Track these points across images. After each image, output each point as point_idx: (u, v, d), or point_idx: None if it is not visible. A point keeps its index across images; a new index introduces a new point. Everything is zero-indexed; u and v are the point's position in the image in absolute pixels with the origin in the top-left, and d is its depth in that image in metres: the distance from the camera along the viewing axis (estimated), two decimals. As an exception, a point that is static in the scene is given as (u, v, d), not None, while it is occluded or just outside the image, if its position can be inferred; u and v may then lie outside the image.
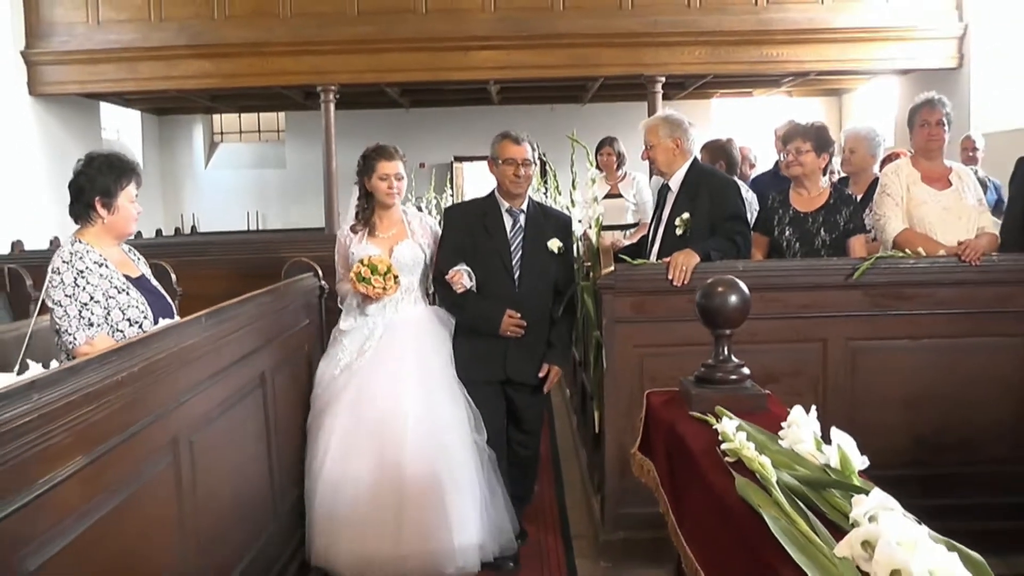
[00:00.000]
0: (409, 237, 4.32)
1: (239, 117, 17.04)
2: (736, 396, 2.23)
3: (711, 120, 15.32)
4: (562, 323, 4.36)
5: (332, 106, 11.01)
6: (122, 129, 14.61)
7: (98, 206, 3.25)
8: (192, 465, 2.87)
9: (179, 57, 10.63)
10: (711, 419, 2.06)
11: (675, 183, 4.38)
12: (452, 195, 12.96)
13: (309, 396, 4.33)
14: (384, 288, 4.03)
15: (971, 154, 7.89)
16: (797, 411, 1.91)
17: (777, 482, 1.65)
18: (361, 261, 4.06)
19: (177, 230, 13.74)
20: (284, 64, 10.76)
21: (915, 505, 1.56)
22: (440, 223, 4.59)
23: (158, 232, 12.75)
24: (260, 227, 15.57)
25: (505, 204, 4.29)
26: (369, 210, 4.31)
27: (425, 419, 4.02)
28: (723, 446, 1.87)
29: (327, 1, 10.69)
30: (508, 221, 4.28)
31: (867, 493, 1.47)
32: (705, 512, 1.87)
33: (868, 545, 1.31)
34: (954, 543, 1.34)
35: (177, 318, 3.28)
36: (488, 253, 4.24)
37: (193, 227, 14.61)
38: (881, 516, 1.33)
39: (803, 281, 4.14)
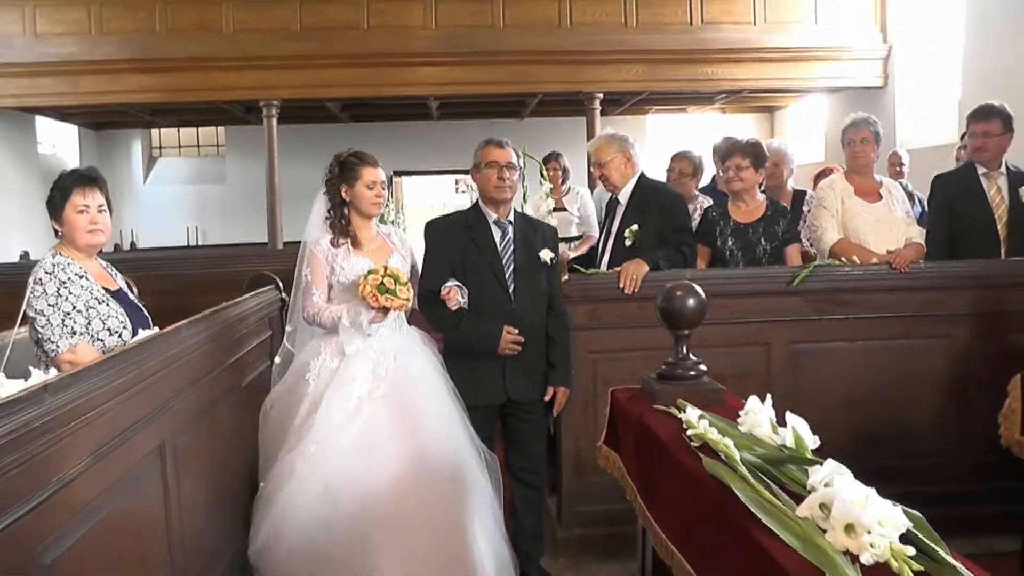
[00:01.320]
0: (395, 251, 4.02)
1: (178, 132, 16.91)
2: (696, 390, 2.44)
3: (646, 136, 15.63)
4: (560, 340, 4.12)
5: (275, 121, 11.07)
6: (58, 144, 14.45)
7: (52, 221, 3.35)
8: (177, 466, 2.99)
9: (121, 71, 10.58)
10: (675, 410, 2.25)
11: (624, 196, 4.60)
12: (392, 209, 13.05)
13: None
14: (407, 300, 3.69)
15: (898, 169, 8.28)
16: (753, 400, 2.12)
17: (741, 460, 1.86)
18: (373, 272, 3.66)
19: (116, 246, 13.59)
20: (227, 79, 10.77)
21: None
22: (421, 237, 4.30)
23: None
24: (200, 243, 15.47)
25: (492, 215, 4.05)
26: (345, 221, 3.93)
27: (450, 451, 3.66)
28: (689, 432, 2.07)
29: (270, 17, 10.75)
30: (497, 233, 4.04)
31: (821, 464, 1.68)
32: (676, 492, 2.07)
33: (825, 507, 1.52)
34: (908, 509, 1.54)
35: (155, 329, 3.38)
36: (479, 268, 3.97)
37: (132, 243, 14.49)
38: (835, 480, 1.54)
39: (746, 288, 4.38)
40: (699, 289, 2.53)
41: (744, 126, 15.98)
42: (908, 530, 1.45)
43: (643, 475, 2.33)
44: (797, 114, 15.37)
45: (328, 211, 3.97)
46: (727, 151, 4.73)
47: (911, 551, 1.38)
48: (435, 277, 3.94)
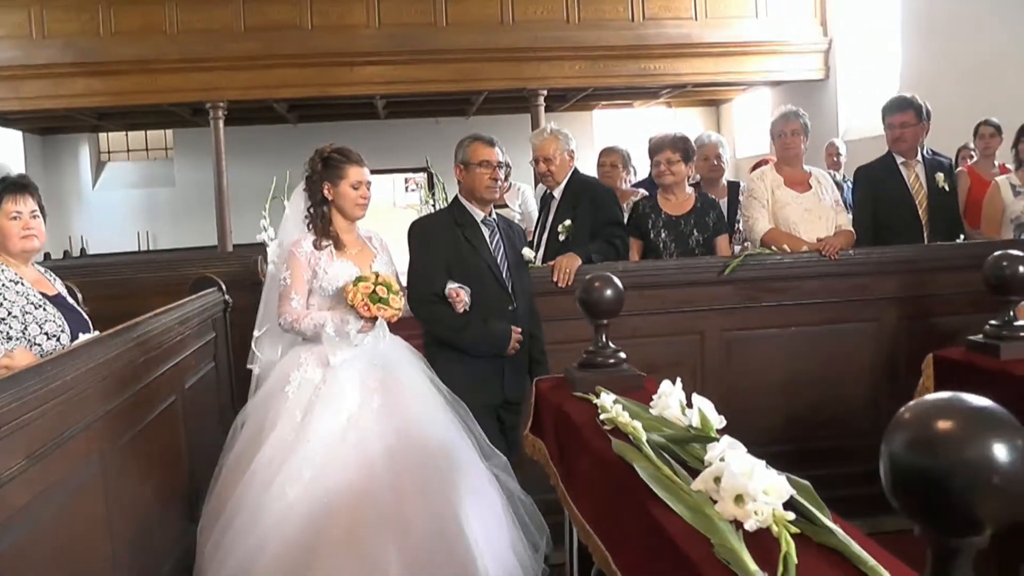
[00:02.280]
0: (377, 255, 3.79)
1: (126, 135, 16.75)
2: (615, 377, 2.53)
3: (593, 131, 15.77)
4: (539, 336, 4.12)
5: (221, 123, 11.04)
6: (1, 150, 14.29)
7: None
8: (118, 468, 3.05)
9: (65, 75, 10.50)
10: (592, 397, 2.35)
11: (558, 191, 4.70)
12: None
13: (220, 405, 4.46)
14: (399, 309, 3.47)
15: (835, 159, 8.49)
16: (665, 384, 2.21)
17: (647, 441, 1.95)
18: (363, 279, 3.45)
19: (66, 253, 13.45)
20: (173, 81, 10.73)
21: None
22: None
23: (47, 256, 12.50)
24: (151, 247, 15.34)
25: (479, 214, 3.96)
26: (326, 222, 3.67)
27: (452, 461, 3.39)
28: (601, 416, 2.16)
29: (214, 18, 10.72)
30: (486, 232, 3.96)
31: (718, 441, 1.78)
32: (589, 473, 2.17)
33: (717, 480, 1.61)
34: (793, 476, 1.64)
35: (95, 333, 3.41)
36: (478, 268, 3.86)
37: (82, 249, 14.35)
38: (727, 455, 1.63)
39: (679, 279, 4.48)
40: (616, 280, 2.63)
41: (690, 120, 16.18)
42: (793, 498, 1.54)
43: (563, 460, 2.42)
44: (742, 107, 15.59)
45: (307, 210, 3.71)
46: (656, 146, 4.82)
47: (791, 516, 1.48)
48: (432, 279, 3.80)
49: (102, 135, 16.57)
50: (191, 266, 6.54)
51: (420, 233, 4.02)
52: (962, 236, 5.25)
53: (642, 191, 5.56)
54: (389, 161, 15.99)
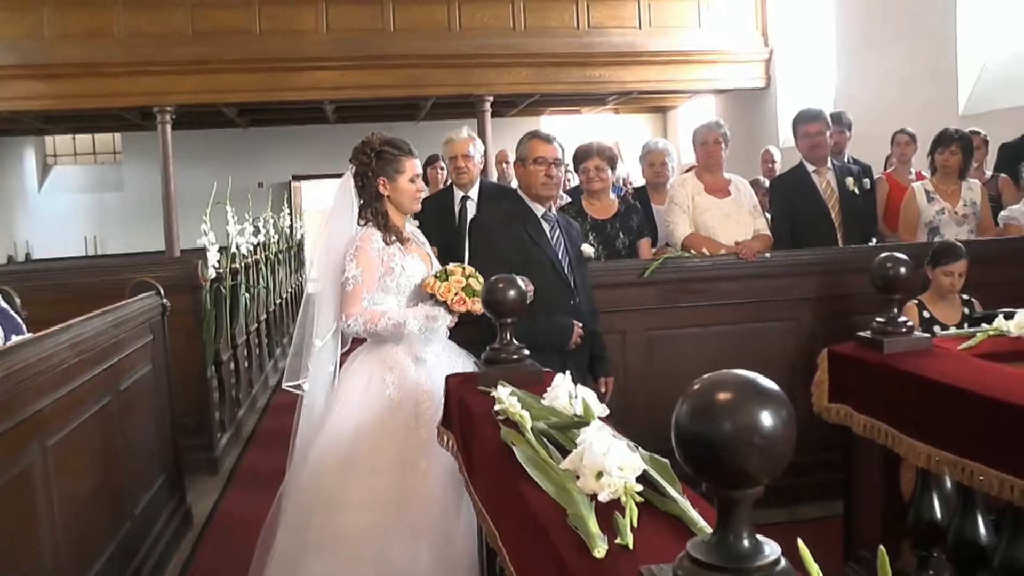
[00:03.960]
0: (425, 250, 3.65)
1: (73, 139, 16.63)
2: (517, 372, 2.66)
3: (540, 137, 15.91)
4: (599, 332, 4.12)
5: (169, 127, 11.02)
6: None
7: None
8: (50, 469, 3.11)
9: (10, 77, 10.41)
10: (491, 390, 2.48)
11: (473, 194, 4.89)
12: (290, 214, 13.11)
13: (157, 407, 4.51)
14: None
15: (770, 166, 8.72)
16: (558, 376, 2.36)
17: (532, 428, 2.09)
18: (450, 272, 3.34)
19: (10, 258, 13.33)
20: (120, 85, 10.67)
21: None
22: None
23: (-9, 261, 12.39)
24: (99, 252, 15.23)
25: (539, 209, 3.91)
26: (384, 218, 3.48)
27: None
28: (496, 407, 2.30)
29: (162, 21, 10.70)
30: (546, 227, 3.92)
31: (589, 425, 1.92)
32: (483, 460, 2.30)
33: (583, 459, 1.75)
34: (655, 455, 1.79)
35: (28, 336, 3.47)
36: (541, 263, 3.81)
37: (27, 254, 14.24)
38: (591, 436, 1.77)
39: (604, 280, 4.61)
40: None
41: (637, 126, 16.40)
42: (647, 472, 1.69)
43: (466, 450, 2.56)
44: (688, 114, 15.82)
45: (363, 204, 3.51)
46: (584, 154, 4.98)
47: (640, 488, 1.63)
48: (499, 272, 3.55)
49: (48, 138, 16.44)
50: (135, 271, 6.55)
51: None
52: (874, 239, 5.48)
53: (565, 196, 5.71)
54: (340, 165, 15.84)
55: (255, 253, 8.66)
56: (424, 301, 3.38)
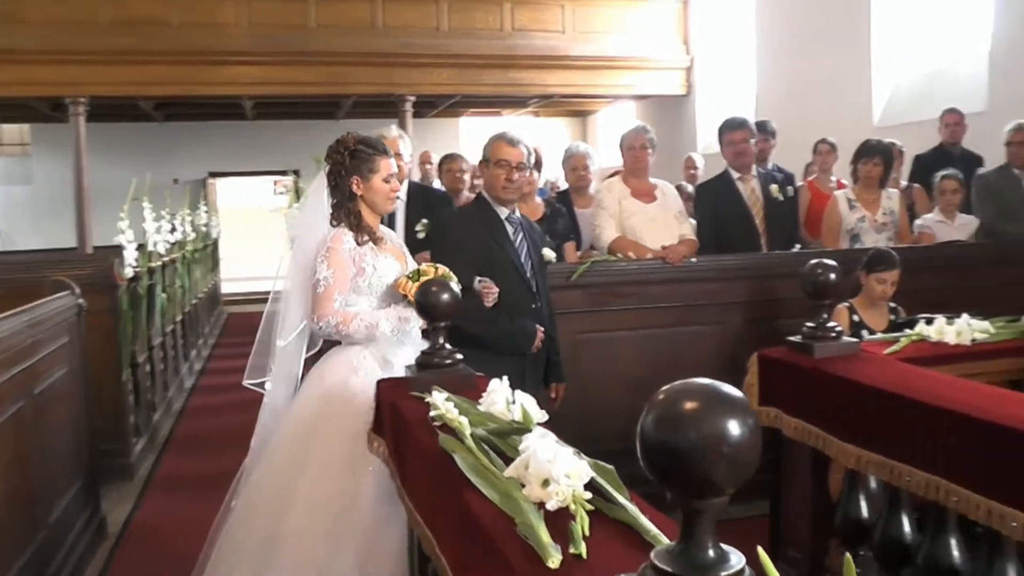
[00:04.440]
0: (400, 250, 3.58)
1: (-22, 129, 16.13)
2: (450, 377, 2.63)
3: (460, 138, 15.91)
4: (555, 336, 4.10)
5: (82, 119, 10.72)
6: None
7: None
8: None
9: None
10: (426, 396, 2.45)
11: (403, 193, 4.84)
12: (207, 212, 12.85)
13: (73, 412, 4.36)
14: None
15: (692, 172, 8.83)
16: (494, 382, 2.33)
17: (471, 435, 2.07)
18: (421, 272, 3.24)
19: (-90, 253, 12.81)
20: (33, 73, 10.30)
21: (638, 473, 1.95)
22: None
23: None
24: (6, 248, 14.71)
25: (503, 211, 3.89)
26: (357, 218, 3.40)
27: None
28: (432, 413, 2.27)
29: (78, 8, 10.34)
30: (509, 229, 3.90)
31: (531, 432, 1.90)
32: (418, 467, 2.27)
33: (528, 466, 1.73)
34: (599, 462, 1.77)
35: None
36: (504, 265, 3.80)
37: (-72, 250, 13.70)
38: (536, 443, 1.76)
39: (531, 284, 4.63)
40: (453, 285, 2.75)
41: (556, 129, 16.49)
42: (594, 480, 1.68)
43: (399, 456, 2.52)
44: (608, 119, 15.97)
45: (333, 206, 3.44)
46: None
47: (589, 495, 1.61)
48: (461, 273, 3.48)
49: (-49, 128, 15.82)
50: (48, 268, 6.35)
51: (447, 228, 3.99)
52: (798, 245, 5.59)
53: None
54: (257, 163, 15.85)
55: (172, 252, 8.47)
56: (398, 302, 3.32)
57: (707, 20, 12.48)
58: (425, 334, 3.42)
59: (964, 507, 2.24)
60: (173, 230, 8.76)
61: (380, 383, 2.88)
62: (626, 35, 12.23)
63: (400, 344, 3.32)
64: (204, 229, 12.21)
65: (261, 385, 3.49)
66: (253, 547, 3.12)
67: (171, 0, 10.59)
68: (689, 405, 1.08)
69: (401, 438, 2.49)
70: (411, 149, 5.06)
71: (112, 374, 5.71)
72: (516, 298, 3.78)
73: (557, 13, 11.91)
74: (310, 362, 3.51)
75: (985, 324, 3.19)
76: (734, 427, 1.05)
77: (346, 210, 3.38)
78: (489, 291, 3.62)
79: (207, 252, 12.85)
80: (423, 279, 3.14)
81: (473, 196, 5.83)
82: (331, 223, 3.41)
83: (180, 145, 15.48)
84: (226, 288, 16.21)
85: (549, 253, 4.06)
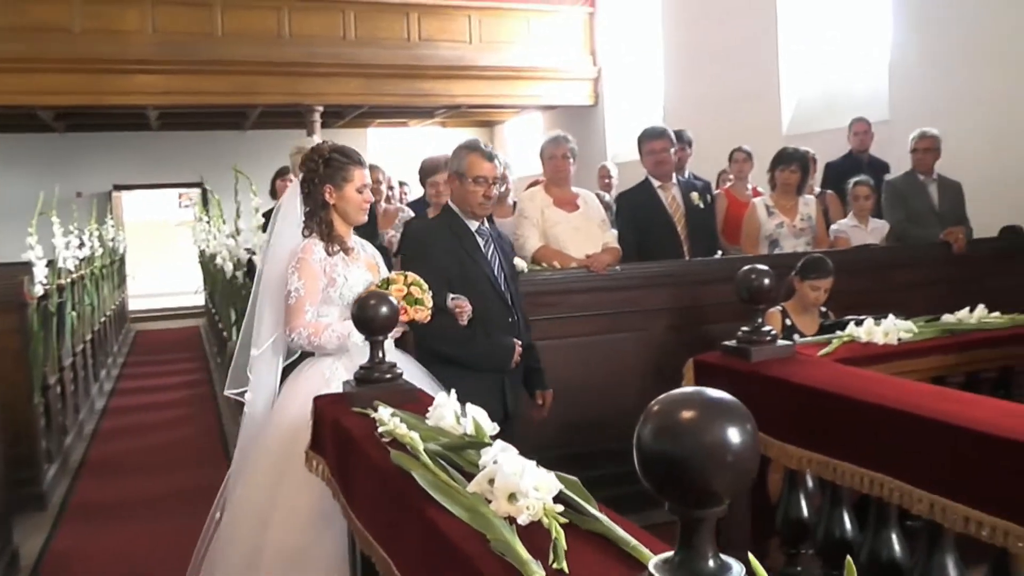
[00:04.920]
0: (375, 259, 3.57)
1: None
2: (391, 391, 2.59)
3: (368, 149, 15.82)
4: (532, 344, 4.05)
5: (-23, 129, 10.32)
6: None
7: None
8: None
9: None
10: (370, 411, 2.40)
11: None
12: (113, 226, 12.51)
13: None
14: (431, 309, 3.28)
15: (607, 181, 8.91)
16: (441, 395, 2.30)
17: (424, 450, 2.03)
18: (391, 281, 3.23)
19: None
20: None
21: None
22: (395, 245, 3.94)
23: None
24: None
25: (473, 224, 3.81)
26: (328, 227, 3.38)
27: None
28: (380, 429, 2.22)
29: (-34, 12, 9.83)
30: (480, 242, 3.83)
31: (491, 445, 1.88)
32: (369, 485, 2.21)
33: (492, 481, 1.71)
34: (561, 473, 1.76)
35: None
36: (478, 279, 3.73)
37: None
38: (499, 457, 1.73)
39: (453, 295, 4.60)
40: (391, 297, 2.71)
41: (464, 140, 16.44)
42: (562, 492, 1.66)
43: (343, 474, 2.46)
44: (515, 129, 16.02)
45: (304, 214, 3.41)
46: (432, 168, 4.96)
47: (560, 508, 1.59)
48: (433, 290, 3.43)
49: None
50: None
51: (417, 242, 3.90)
52: (720, 252, 5.68)
53: (408, 210, 5.66)
54: (163, 175, 15.49)
55: (80, 268, 8.19)
56: None
57: (614, 31, 12.63)
58: (397, 343, 3.45)
59: (907, 502, 2.28)
60: (81, 245, 8.49)
61: (317, 399, 2.82)
62: (533, 46, 12.32)
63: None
64: (111, 244, 11.89)
65: (242, 395, 3.47)
66: (239, 562, 3.08)
67: (72, 6, 10.20)
68: (689, 414, 1.07)
69: (346, 456, 2.43)
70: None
71: (22, 397, 5.45)
72: (492, 313, 3.72)
73: (464, 23, 11.92)
74: (290, 370, 3.45)
75: (909, 324, 3.26)
76: (735, 435, 1.05)
77: (318, 219, 3.36)
78: (463, 310, 3.56)
79: (114, 268, 12.49)
80: (392, 287, 3.17)
81: (394, 207, 5.81)
82: (303, 233, 3.38)
83: (83, 157, 15.01)
84: (134, 305, 15.84)
85: (520, 263, 3.98)
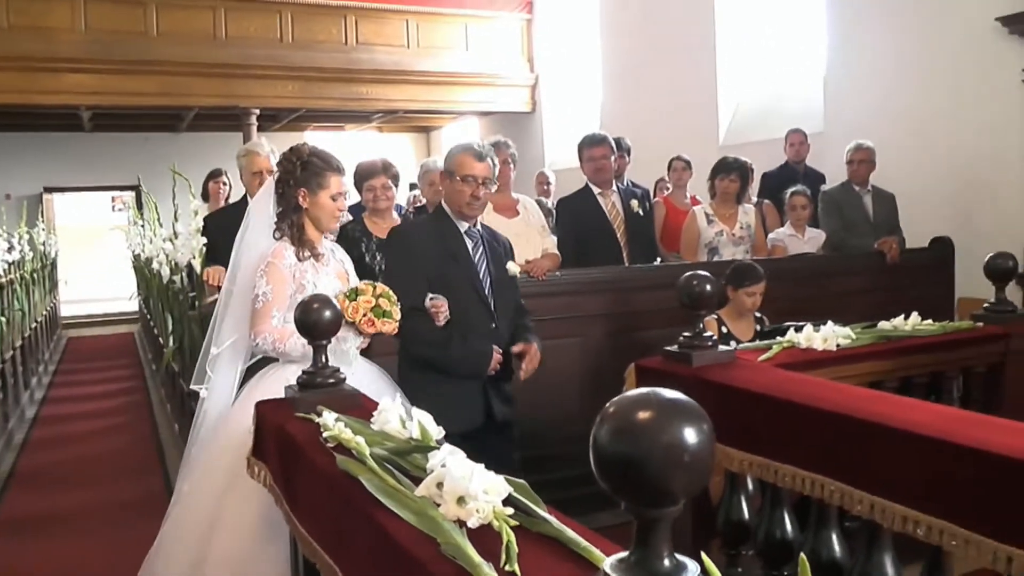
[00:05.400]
0: (345, 267, 3.51)
1: None
2: (335, 396, 2.56)
3: (304, 153, 15.70)
4: (525, 323, 3.93)
5: (-102, 128, 10.00)
6: None
7: None
8: None
9: None
10: (314, 416, 2.38)
11: None
12: (44, 229, 12.23)
13: None
14: (398, 321, 3.22)
15: (545, 187, 8.95)
16: (385, 400, 2.29)
17: (371, 454, 2.02)
18: (359, 292, 3.16)
19: None
20: None
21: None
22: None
23: None
24: None
25: (463, 225, 3.73)
26: (299, 231, 3.33)
27: None
28: (324, 435, 2.20)
29: None
30: (469, 244, 3.74)
31: (439, 449, 1.87)
32: (314, 490, 2.19)
33: (439, 484, 1.70)
34: (510, 477, 1.76)
35: None
36: (459, 282, 3.65)
37: None
38: (447, 460, 1.73)
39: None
40: (335, 302, 2.69)
41: (401, 145, 16.44)
42: (511, 495, 1.65)
43: (286, 481, 2.43)
44: (452, 134, 16.02)
45: (280, 215, 3.34)
46: (368, 172, 4.93)
47: (510, 511, 1.59)
48: (411, 291, 3.47)
49: None
50: None
51: (400, 241, 3.81)
52: (659, 259, 5.74)
53: (347, 214, 5.61)
54: (96, 178, 15.20)
55: (9, 272, 8.00)
56: None
57: (552, 38, 12.71)
58: (364, 352, 3.42)
59: (847, 503, 2.33)
60: (11, 249, 8.28)
61: (259, 405, 2.78)
62: (471, 51, 12.35)
63: (335, 364, 3.15)
64: (42, 248, 11.63)
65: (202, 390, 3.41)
66: (183, 571, 3.00)
67: (-1, 0, 9.89)
68: (645, 415, 1.08)
69: (290, 462, 2.40)
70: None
71: (-50, 407, 5.30)
72: (471, 317, 3.65)
73: (401, 28, 11.90)
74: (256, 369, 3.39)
75: (846, 330, 3.32)
76: (692, 435, 1.06)
77: (289, 221, 3.31)
78: (438, 310, 3.51)
79: (45, 272, 12.21)
80: (360, 298, 3.11)
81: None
82: (274, 235, 3.32)
83: (11, 158, 14.66)
84: (66, 310, 15.52)
85: (513, 268, 3.89)
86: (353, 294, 3.14)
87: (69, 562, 4.62)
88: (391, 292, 3.19)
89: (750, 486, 2.96)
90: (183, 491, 3.24)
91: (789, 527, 2.76)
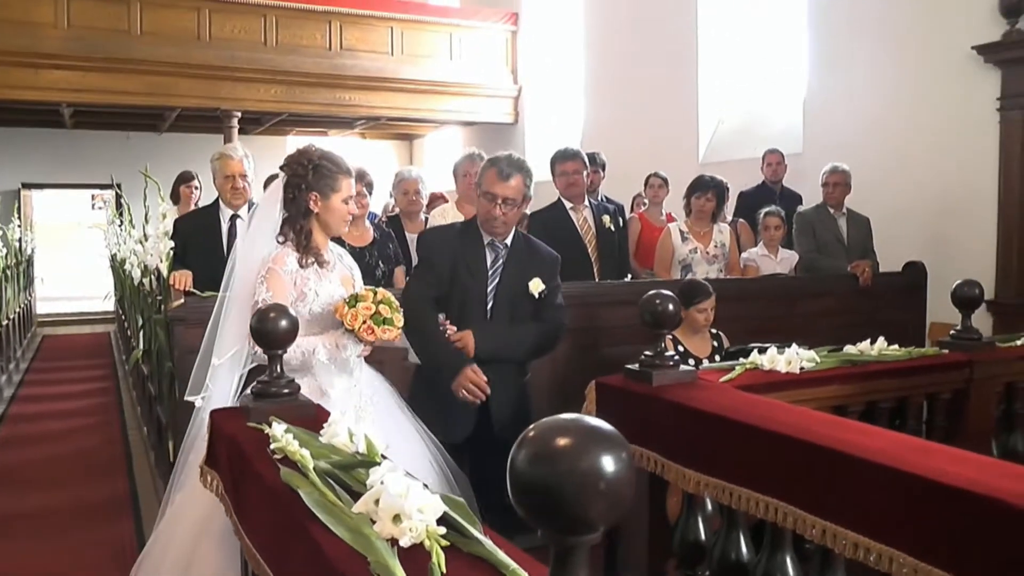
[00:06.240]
0: (351, 272, 3.44)
1: None
2: (288, 407, 2.54)
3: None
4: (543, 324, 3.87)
5: None
6: None
7: None
8: None
9: None
10: (264, 426, 2.35)
11: (245, 214, 4.71)
12: (20, 226, 12.12)
13: None
14: (400, 329, 3.15)
15: (523, 199, 8.91)
16: (335, 413, 2.27)
17: (314, 468, 1.99)
18: (359, 298, 3.09)
19: None
20: None
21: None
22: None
23: None
24: None
25: (487, 236, 3.67)
26: (307, 237, 3.24)
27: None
28: (272, 446, 2.17)
29: None
30: (489, 256, 3.68)
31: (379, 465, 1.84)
32: (259, 503, 2.16)
33: (378, 501, 1.67)
34: (450, 495, 1.73)
35: None
36: (466, 291, 3.64)
37: None
38: (386, 478, 1.70)
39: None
40: (291, 311, 2.66)
41: (383, 152, 16.43)
42: (447, 514, 1.63)
43: (235, 490, 2.40)
44: (435, 143, 16.02)
45: (287, 220, 3.25)
46: None
47: (443, 531, 1.57)
48: (424, 283, 3.53)
49: None
50: None
51: (426, 242, 3.84)
52: (630, 275, 5.73)
53: None
54: (76, 175, 15.11)
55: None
56: (336, 327, 3.14)
57: (536, 51, 12.73)
58: (367, 360, 3.36)
59: (800, 527, 2.31)
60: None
61: (213, 413, 2.75)
62: (455, 60, 12.34)
63: (337, 373, 3.17)
64: (17, 244, 11.53)
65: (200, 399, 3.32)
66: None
67: (-23, -6, 9.78)
68: (563, 441, 1.06)
69: (239, 473, 2.37)
70: (254, 169, 4.91)
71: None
72: (467, 325, 3.61)
73: (385, 34, 11.88)
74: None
75: (811, 353, 3.31)
76: (609, 463, 1.04)
77: (298, 227, 3.22)
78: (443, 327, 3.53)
79: (20, 269, 12.13)
80: (360, 304, 3.04)
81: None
82: (277, 239, 3.24)
83: (-4, 152, 14.61)
84: (41, 308, 15.41)
85: (535, 287, 3.76)
86: (353, 300, 3.07)
87: (34, 565, 4.53)
88: (392, 299, 3.12)
89: (708, 507, 2.94)
90: (174, 505, 3.15)
91: (744, 549, 2.74)
